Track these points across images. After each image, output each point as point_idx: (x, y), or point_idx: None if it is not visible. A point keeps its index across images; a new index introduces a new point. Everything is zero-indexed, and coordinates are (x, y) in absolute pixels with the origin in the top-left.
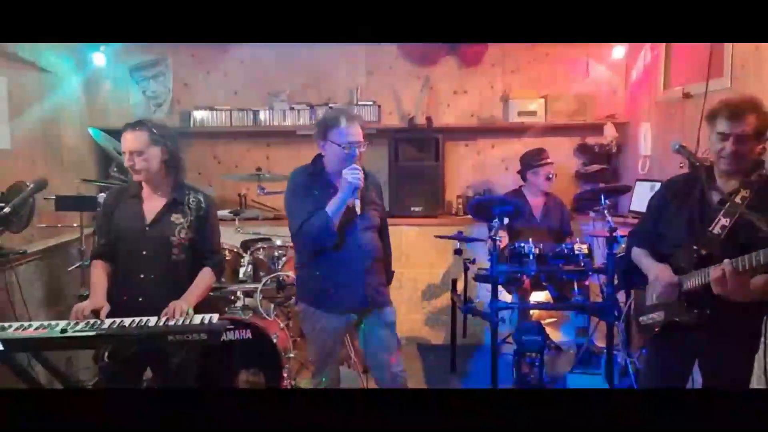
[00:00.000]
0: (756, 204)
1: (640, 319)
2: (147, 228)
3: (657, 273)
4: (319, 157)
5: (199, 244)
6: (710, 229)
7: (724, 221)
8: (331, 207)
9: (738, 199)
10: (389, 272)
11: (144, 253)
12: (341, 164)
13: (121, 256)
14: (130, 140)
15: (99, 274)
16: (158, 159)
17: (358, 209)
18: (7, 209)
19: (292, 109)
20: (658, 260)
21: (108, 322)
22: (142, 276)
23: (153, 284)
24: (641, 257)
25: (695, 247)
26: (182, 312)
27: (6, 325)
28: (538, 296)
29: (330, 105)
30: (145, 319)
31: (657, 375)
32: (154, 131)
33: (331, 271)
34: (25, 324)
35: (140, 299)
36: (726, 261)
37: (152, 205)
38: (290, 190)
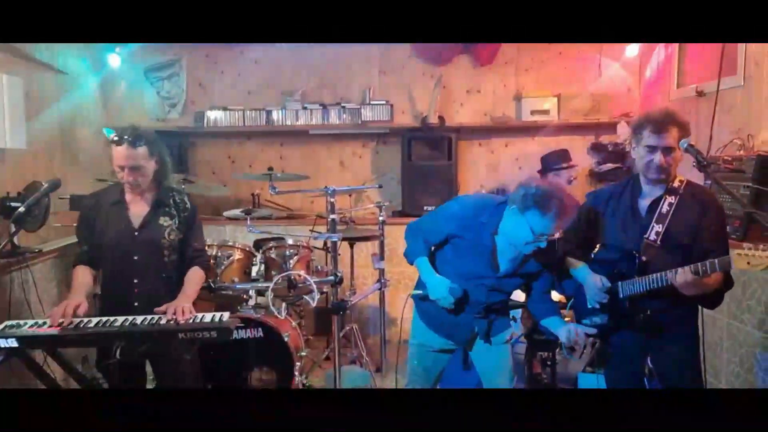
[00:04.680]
0: (682, 208)
1: (583, 322)
2: (136, 233)
3: (587, 279)
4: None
5: (187, 244)
6: (646, 236)
7: (658, 227)
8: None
9: (665, 206)
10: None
11: (135, 258)
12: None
13: (110, 263)
14: (127, 156)
15: (83, 276)
16: (152, 170)
17: None
18: (21, 209)
19: (305, 108)
20: (594, 266)
21: (120, 319)
22: (135, 281)
23: (147, 288)
24: (571, 264)
25: (636, 255)
26: (190, 311)
27: (21, 322)
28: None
29: (343, 104)
30: (156, 317)
31: (616, 372)
32: (149, 144)
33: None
34: (40, 321)
35: (136, 304)
36: (687, 269)
37: (138, 209)
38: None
